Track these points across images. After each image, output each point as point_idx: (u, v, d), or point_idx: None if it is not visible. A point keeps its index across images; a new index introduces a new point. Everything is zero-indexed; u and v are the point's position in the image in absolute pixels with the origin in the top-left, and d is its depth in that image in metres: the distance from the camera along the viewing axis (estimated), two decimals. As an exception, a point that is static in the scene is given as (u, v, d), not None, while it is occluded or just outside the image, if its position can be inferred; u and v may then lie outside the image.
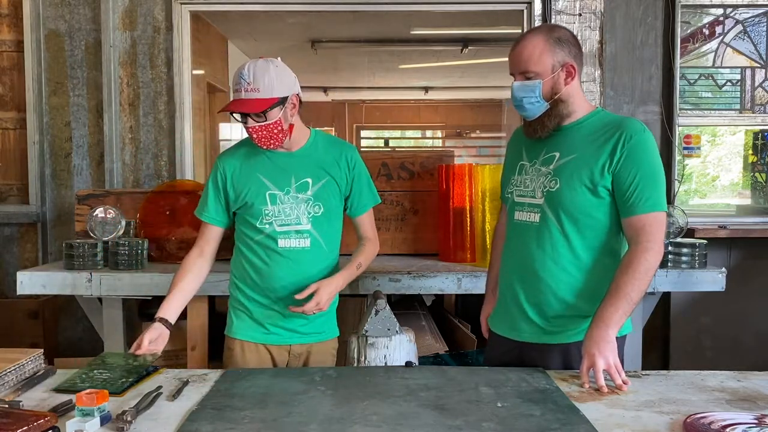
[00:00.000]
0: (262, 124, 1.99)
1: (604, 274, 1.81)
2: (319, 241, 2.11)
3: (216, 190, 2.14)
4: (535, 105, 1.82)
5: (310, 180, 2.10)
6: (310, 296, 2.01)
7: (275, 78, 1.97)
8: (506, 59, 1.88)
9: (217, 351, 2.29)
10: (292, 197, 2.09)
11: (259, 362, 2.13)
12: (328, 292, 2.04)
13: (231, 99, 2.02)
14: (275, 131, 2.01)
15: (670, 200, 3.64)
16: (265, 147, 2.04)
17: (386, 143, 11.60)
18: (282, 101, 1.99)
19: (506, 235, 2.01)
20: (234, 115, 2.01)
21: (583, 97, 1.89)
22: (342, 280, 2.10)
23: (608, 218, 1.80)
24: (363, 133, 11.22)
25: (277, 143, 2.04)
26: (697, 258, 2.86)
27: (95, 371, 1.76)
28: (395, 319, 2.16)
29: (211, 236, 2.17)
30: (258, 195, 2.08)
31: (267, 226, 2.08)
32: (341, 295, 2.30)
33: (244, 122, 2.00)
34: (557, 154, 1.84)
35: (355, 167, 2.18)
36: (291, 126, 2.06)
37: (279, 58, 2.06)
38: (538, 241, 1.84)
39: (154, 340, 1.93)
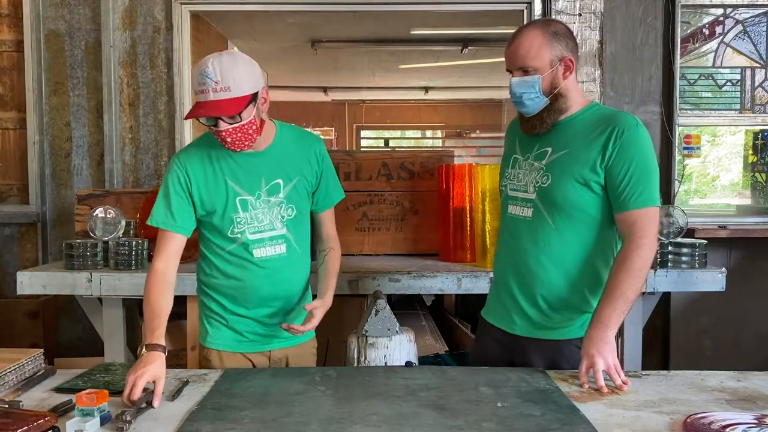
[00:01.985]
0: (237, 125, 1.79)
1: (597, 269, 1.82)
2: (294, 245, 2.00)
3: (179, 195, 1.90)
4: (535, 101, 1.81)
5: (281, 181, 1.96)
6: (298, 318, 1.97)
7: (245, 73, 1.77)
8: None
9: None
10: (263, 201, 1.94)
11: None
12: (321, 316, 1.98)
13: (196, 102, 1.79)
14: (250, 131, 1.82)
15: (670, 200, 3.64)
16: (238, 150, 1.85)
17: (386, 143, 11.59)
18: (254, 98, 1.80)
19: (500, 229, 2.01)
20: (200, 119, 1.80)
21: (580, 91, 1.88)
22: (330, 299, 2.03)
23: (600, 213, 1.80)
24: (363, 133, 11.21)
25: (250, 144, 1.86)
26: (697, 258, 2.86)
27: (97, 375, 1.76)
28: (395, 319, 2.16)
29: (177, 247, 1.91)
30: (228, 202, 1.91)
31: (239, 234, 1.93)
32: (340, 296, 2.29)
33: (214, 125, 1.80)
34: (550, 149, 1.83)
35: (324, 160, 2.04)
36: (263, 122, 1.88)
37: (236, 48, 1.91)
38: (531, 236, 1.85)
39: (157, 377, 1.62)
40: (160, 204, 1.91)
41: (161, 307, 1.81)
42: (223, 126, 1.78)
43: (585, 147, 1.78)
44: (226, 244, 1.95)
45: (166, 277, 1.87)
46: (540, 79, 1.78)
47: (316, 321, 1.96)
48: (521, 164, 1.90)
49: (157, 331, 1.74)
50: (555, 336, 1.85)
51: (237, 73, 1.75)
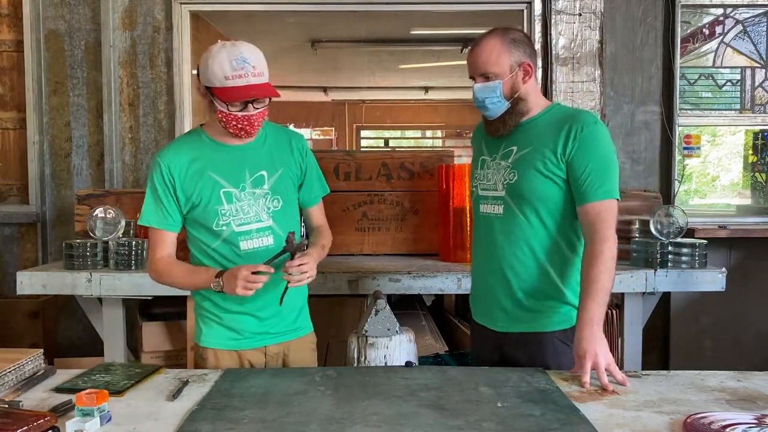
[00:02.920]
0: (263, 108, 1.90)
1: (564, 254, 1.91)
2: (282, 236, 1.97)
3: (166, 193, 1.94)
4: (496, 104, 1.89)
5: (265, 173, 1.97)
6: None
7: (265, 61, 1.89)
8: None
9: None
10: (248, 193, 1.95)
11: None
12: (315, 260, 1.92)
13: (234, 85, 1.83)
14: (266, 115, 1.94)
15: (670, 200, 3.64)
16: (253, 135, 1.93)
17: (386, 143, 11.58)
18: None
19: (474, 228, 2.09)
20: (226, 102, 1.84)
21: (540, 94, 1.98)
22: (317, 253, 1.98)
23: (564, 203, 1.88)
24: (363, 133, 11.20)
25: (260, 128, 1.95)
26: (697, 258, 2.86)
27: (97, 375, 1.76)
28: (395, 319, 2.16)
29: (171, 241, 1.99)
30: (212, 194, 1.93)
31: (224, 227, 1.93)
32: (340, 296, 2.29)
33: (242, 109, 1.86)
34: (515, 148, 1.92)
35: (307, 156, 2.07)
36: None
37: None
38: (504, 232, 1.92)
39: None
40: (149, 203, 1.96)
41: (186, 265, 1.97)
42: (253, 110, 1.88)
43: (547, 142, 1.87)
44: (212, 240, 1.96)
45: (172, 257, 1.98)
46: (501, 84, 1.87)
47: (308, 258, 1.88)
48: (489, 164, 1.98)
49: (204, 268, 1.93)
50: (535, 328, 1.91)
51: (263, 60, 1.88)
